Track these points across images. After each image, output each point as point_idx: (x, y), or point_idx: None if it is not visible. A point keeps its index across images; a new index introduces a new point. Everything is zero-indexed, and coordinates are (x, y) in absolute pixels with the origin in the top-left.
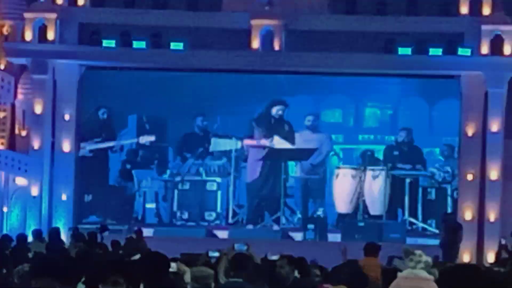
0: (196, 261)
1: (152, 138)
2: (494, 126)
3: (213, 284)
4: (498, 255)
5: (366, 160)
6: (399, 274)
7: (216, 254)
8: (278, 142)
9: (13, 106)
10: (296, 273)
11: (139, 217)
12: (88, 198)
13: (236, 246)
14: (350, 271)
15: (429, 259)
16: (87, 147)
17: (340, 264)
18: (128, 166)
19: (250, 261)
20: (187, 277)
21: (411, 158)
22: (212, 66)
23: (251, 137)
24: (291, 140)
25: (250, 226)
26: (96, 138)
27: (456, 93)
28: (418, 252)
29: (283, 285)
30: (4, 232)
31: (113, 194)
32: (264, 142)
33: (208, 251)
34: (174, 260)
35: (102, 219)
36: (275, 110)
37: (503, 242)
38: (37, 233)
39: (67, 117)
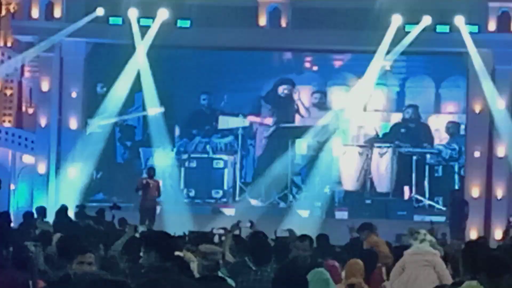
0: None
1: (161, 109)
2: (501, 103)
3: (221, 261)
4: (506, 232)
5: (373, 138)
6: (405, 252)
7: (221, 232)
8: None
9: (20, 84)
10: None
11: None
12: (95, 175)
13: (240, 224)
14: (360, 249)
15: (433, 239)
16: (96, 123)
17: (349, 243)
18: (129, 143)
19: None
20: (193, 266)
21: (418, 136)
22: (219, 43)
23: (257, 114)
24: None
25: (257, 204)
26: (103, 114)
27: (463, 70)
28: (422, 231)
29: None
30: (12, 210)
31: (120, 172)
32: (268, 120)
33: (212, 229)
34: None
35: (109, 197)
36: (282, 89)
37: (511, 219)
38: (39, 211)
39: (73, 94)
